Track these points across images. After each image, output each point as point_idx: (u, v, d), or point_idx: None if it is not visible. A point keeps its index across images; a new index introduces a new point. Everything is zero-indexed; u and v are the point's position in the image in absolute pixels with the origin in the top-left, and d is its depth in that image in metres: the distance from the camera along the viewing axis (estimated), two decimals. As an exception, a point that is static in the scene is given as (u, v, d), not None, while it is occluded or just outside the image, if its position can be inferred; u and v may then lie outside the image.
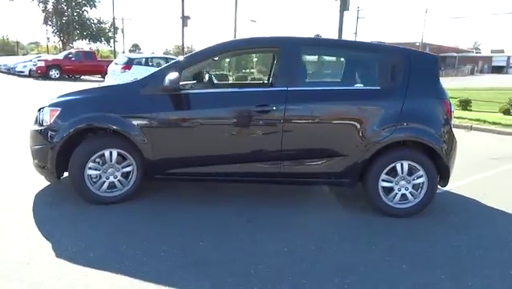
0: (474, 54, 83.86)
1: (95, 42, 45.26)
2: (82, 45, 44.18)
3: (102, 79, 23.03)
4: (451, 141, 3.65)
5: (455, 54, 76.90)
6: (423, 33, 43.98)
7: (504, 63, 78.82)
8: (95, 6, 43.86)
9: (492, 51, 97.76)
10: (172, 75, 3.34)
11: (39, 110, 3.73)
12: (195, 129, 3.53)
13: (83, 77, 23.66)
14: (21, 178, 4.26)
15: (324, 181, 3.71)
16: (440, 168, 3.60)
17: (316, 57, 3.89)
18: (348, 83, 3.86)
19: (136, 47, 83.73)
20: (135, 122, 3.45)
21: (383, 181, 3.59)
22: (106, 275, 2.52)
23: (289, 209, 3.69)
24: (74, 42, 40.20)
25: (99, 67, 23.31)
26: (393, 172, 3.59)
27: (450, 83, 30.02)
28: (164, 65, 3.78)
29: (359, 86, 3.79)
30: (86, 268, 2.58)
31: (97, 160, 3.51)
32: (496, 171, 5.37)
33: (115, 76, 13.92)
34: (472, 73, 67.13)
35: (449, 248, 3.08)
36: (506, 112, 11.00)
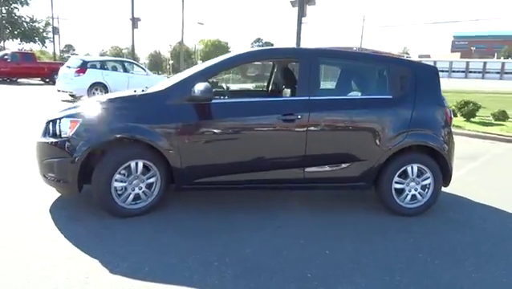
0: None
1: (27, 42, 42.19)
2: (13, 45, 41.11)
3: (43, 82, 21.68)
4: (451, 144, 4.03)
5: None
6: (361, 38, 45.90)
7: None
8: (27, 4, 40.92)
9: (419, 56, 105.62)
10: (203, 85, 3.36)
11: (51, 122, 3.56)
12: (223, 138, 3.58)
13: (20, 80, 22.06)
14: (23, 192, 4.02)
15: (342, 185, 3.91)
16: (443, 170, 3.96)
17: (331, 67, 4.08)
18: (362, 92, 4.10)
19: (69, 48, 79.37)
20: (163, 132, 3.42)
21: (395, 183, 3.88)
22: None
23: (313, 213, 3.85)
24: (3, 42, 37.19)
25: (39, 70, 21.90)
26: (404, 175, 3.89)
27: None
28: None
29: (372, 95, 4.04)
30: (148, 283, 2.55)
31: (122, 171, 3.43)
32: (467, 169, 5.93)
33: (69, 81, 13.19)
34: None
35: (464, 242, 3.40)
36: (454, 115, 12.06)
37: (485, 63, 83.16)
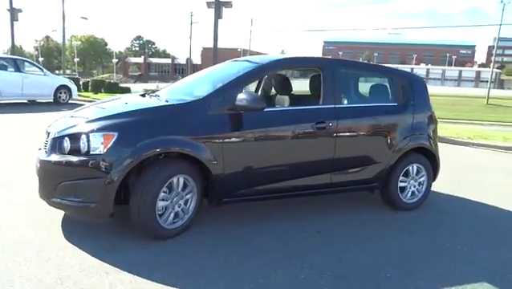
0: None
1: None
2: None
3: None
4: (437, 145, 4.60)
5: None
6: (250, 40, 47.56)
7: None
8: None
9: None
10: (251, 95, 3.27)
11: (67, 136, 3.06)
12: (264, 146, 3.52)
13: None
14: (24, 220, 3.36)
15: (359, 187, 4.15)
16: (434, 168, 4.49)
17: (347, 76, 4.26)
18: (374, 100, 4.39)
19: None
20: (206, 144, 3.21)
21: (400, 182, 4.28)
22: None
23: (338, 215, 4.01)
24: None
25: None
26: (406, 174, 4.31)
27: None
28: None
29: (382, 102, 4.35)
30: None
31: (165, 189, 3.12)
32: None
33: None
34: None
35: (467, 232, 3.93)
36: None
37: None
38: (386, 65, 5.65)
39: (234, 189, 3.43)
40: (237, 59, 4.84)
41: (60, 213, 3.52)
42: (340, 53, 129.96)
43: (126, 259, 2.84)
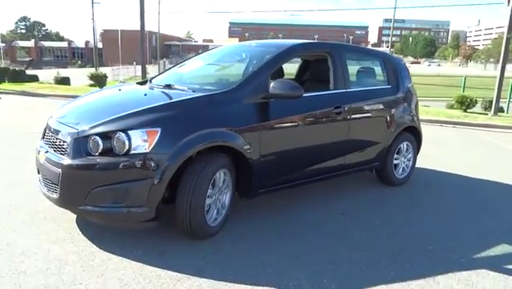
0: (194, 43, 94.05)
1: None
2: None
3: None
4: (420, 122, 4.99)
5: (178, 43, 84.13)
6: (158, 22, 45.32)
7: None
8: None
9: (204, 40, 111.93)
10: (288, 82, 3.20)
11: (97, 135, 2.71)
12: (297, 133, 3.50)
13: None
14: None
15: (365, 166, 4.34)
16: (418, 143, 4.89)
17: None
18: (372, 83, 4.55)
19: None
20: (246, 135, 3.09)
21: (394, 159, 4.59)
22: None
23: (351, 197, 4.16)
24: None
25: None
26: (398, 152, 4.63)
27: None
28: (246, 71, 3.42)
29: (379, 85, 4.55)
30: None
31: (210, 185, 2.95)
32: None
33: None
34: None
35: (451, 200, 4.39)
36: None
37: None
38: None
39: (269, 179, 3.37)
40: (242, 44, 4.66)
41: (70, 222, 3.15)
42: (246, 34, 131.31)
43: (185, 263, 2.67)
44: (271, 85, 3.18)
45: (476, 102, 12.61)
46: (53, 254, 2.71)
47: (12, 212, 3.39)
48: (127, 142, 2.66)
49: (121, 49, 54.27)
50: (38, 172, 3.30)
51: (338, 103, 3.78)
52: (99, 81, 15.12)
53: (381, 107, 4.32)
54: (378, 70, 4.58)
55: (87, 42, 76.21)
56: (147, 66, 44.41)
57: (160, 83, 3.70)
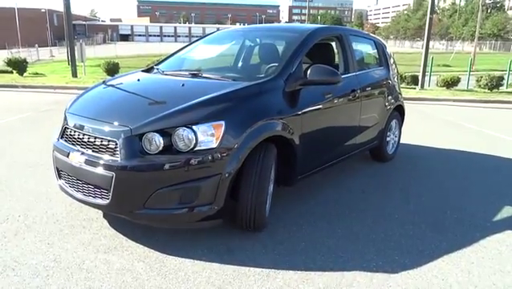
0: (101, 23, 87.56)
1: None
2: None
3: None
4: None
5: (84, 23, 77.67)
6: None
7: (129, 32, 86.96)
8: None
9: (111, 20, 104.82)
10: (325, 68, 3.19)
11: (154, 132, 2.50)
12: (329, 117, 3.57)
13: None
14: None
15: (368, 146, 4.54)
16: (402, 120, 5.26)
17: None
18: (370, 65, 4.70)
19: None
20: (293, 124, 3.06)
21: (387, 137, 4.89)
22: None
23: (364, 176, 4.35)
24: None
25: None
26: (389, 129, 4.94)
27: (100, 52, 32.06)
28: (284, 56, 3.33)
29: (375, 67, 4.72)
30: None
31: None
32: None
33: None
34: (104, 41, 70.46)
35: (442, 170, 4.85)
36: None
37: (175, 28, 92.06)
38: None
39: (307, 165, 3.39)
40: (246, 27, 4.47)
41: (105, 228, 2.89)
42: (157, 13, 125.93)
43: (259, 258, 2.62)
44: (308, 72, 3.17)
45: (405, 77, 13.69)
46: (116, 266, 2.47)
47: (31, 223, 2.99)
48: (193, 138, 2.49)
49: (19, 30, 48.75)
50: (60, 178, 2.95)
51: (353, 86, 3.90)
52: (18, 67, 13.41)
53: (380, 87, 4.54)
54: (372, 52, 4.79)
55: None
56: (51, 48, 40.61)
57: (179, 71, 3.48)
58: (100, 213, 3.13)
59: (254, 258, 2.61)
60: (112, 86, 3.34)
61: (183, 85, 3.07)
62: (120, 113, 2.75)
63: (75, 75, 13.48)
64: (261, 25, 4.55)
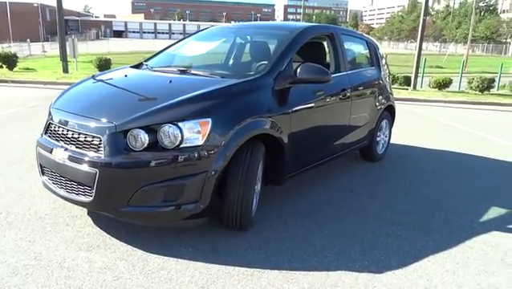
0: (95, 19, 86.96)
1: None
2: None
3: None
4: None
5: (77, 18, 77.01)
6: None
7: (123, 28, 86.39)
8: None
9: (105, 16, 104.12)
10: (315, 67, 3.17)
11: (140, 128, 2.45)
12: (318, 115, 3.54)
13: None
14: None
15: (358, 146, 4.52)
16: (392, 120, 5.25)
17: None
18: (361, 65, 4.68)
19: None
20: (279, 121, 3.02)
21: (377, 137, 4.88)
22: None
23: (353, 174, 4.34)
24: None
25: None
26: (379, 129, 4.93)
27: (93, 48, 31.67)
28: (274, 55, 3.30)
29: (367, 67, 4.70)
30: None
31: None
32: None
33: None
34: (98, 37, 69.92)
35: (431, 170, 4.85)
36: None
37: (170, 25, 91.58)
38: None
39: (295, 164, 3.36)
40: (235, 25, 4.44)
41: (89, 226, 2.85)
42: (151, 10, 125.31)
43: (245, 257, 2.59)
44: (298, 70, 3.14)
45: (398, 78, 13.74)
46: (98, 264, 2.43)
47: (13, 220, 2.93)
48: (179, 135, 2.45)
49: (11, 24, 48.21)
50: (44, 174, 2.90)
51: (343, 85, 3.88)
52: (8, 62, 13.24)
53: (371, 87, 4.53)
54: (364, 52, 4.77)
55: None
56: (43, 44, 40.18)
57: (168, 68, 3.44)
58: (85, 210, 3.08)
59: (240, 257, 2.58)
60: (98, 81, 3.28)
61: (170, 81, 3.03)
62: (105, 109, 2.70)
63: (66, 70, 13.35)
64: (252, 22, 4.49)
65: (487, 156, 5.49)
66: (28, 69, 14.61)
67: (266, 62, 3.24)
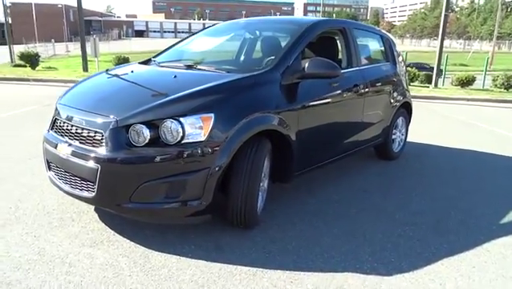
0: (117, 19, 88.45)
1: None
2: None
3: None
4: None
5: (100, 19, 78.49)
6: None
7: (144, 28, 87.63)
8: None
9: (127, 16, 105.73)
10: (325, 62, 3.06)
11: (142, 124, 2.41)
12: (324, 114, 3.41)
13: None
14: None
15: (372, 143, 4.39)
16: (409, 118, 5.08)
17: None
18: (375, 60, 4.56)
19: None
20: (286, 117, 2.94)
21: (393, 134, 4.73)
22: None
23: (365, 173, 4.21)
24: None
25: None
26: (395, 127, 4.77)
27: (115, 47, 31.89)
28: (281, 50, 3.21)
29: (381, 62, 4.57)
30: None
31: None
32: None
33: None
34: (120, 37, 71.05)
35: (450, 170, 4.67)
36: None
37: (190, 24, 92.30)
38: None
39: (304, 161, 3.27)
40: (244, 20, 4.37)
41: (94, 222, 2.82)
42: (172, 9, 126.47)
43: (249, 256, 2.52)
44: (306, 65, 3.05)
45: (419, 76, 13.42)
46: (99, 260, 2.40)
47: (21, 214, 2.95)
48: (180, 130, 2.39)
49: (36, 25, 49.45)
50: (50, 169, 2.90)
51: (356, 81, 3.76)
52: (31, 61, 13.57)
53: (385, 84, 4.38)
54: (379, 47, 4.63)
55: (-7, 18, 68.26)
56: (67, 44, 41.09)
57: (175, 63, 3.40)
58: (91, 206, 3.07)
59: (243, 256, 2.52)
60: (103, 77, 3.27)
61: (175, 77, 2.99)
62: (108, 104, 2.68)
63: (85, 69, 13.57)
64: (262, 17, 4.42)
65: (509, 155, 5.26)
66: (50, 68, 14.94)
67: (273, 57, 3.15)
